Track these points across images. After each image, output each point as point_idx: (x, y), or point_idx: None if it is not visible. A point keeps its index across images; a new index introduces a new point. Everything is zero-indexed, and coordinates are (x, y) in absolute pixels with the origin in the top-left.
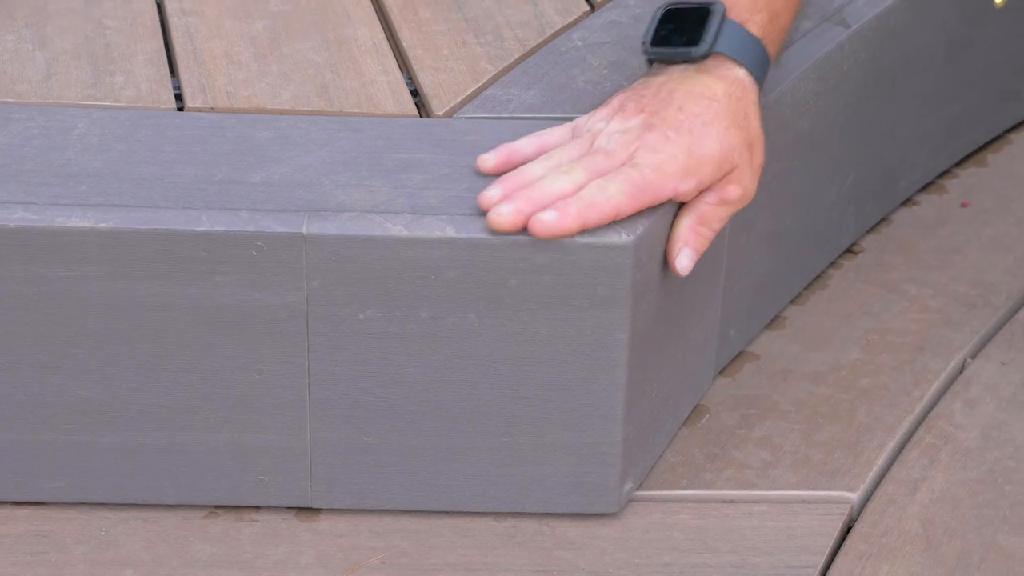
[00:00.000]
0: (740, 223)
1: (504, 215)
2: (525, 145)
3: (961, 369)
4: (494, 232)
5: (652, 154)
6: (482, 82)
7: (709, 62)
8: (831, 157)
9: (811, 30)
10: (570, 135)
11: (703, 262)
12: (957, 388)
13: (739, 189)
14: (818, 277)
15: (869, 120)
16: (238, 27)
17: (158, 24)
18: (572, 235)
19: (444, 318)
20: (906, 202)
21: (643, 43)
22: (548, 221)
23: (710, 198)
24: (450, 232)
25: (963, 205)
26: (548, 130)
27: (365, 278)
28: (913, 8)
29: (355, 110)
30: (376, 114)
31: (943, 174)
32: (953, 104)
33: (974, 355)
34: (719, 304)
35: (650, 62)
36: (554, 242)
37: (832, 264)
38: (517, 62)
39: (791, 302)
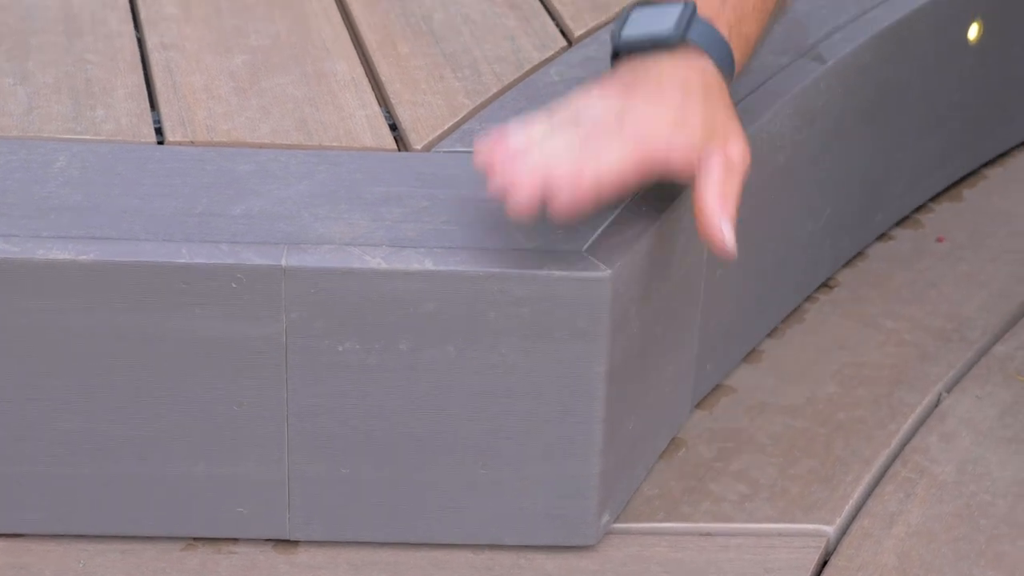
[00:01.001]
0: (717, 257)
1: (518, 200)
2: (511, 133)
3: (937, 403)
4: (513, 217)
5: (643, 106)
6: (460, 116)
7: (679, 51)
8: (807, 192)
9: (787, 66)
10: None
11: (680, 293)
12: (933, 422)
13: (738, 146)
14: (794, 311)
15: (845, 155)
16: (218, 62)
17: (138, 59)
18: (589, 200)
19: (422, 350)
20: (881, 237)
21: (612, 35)
22: (564, 188)
23: (715, 164)
24: (428, 265)
25: (938, 240)
26: (530, 118)
27: (344, 310)
28: (888, 44)
29: (334, 144)
30: (355, 148)
31: (918, 209)
32: (928, 139)
33: (950, 389)
34: (696, 337)
35: (614, 57)
36: (532, 275)
37: (808, 298)
38: (495, 97)
39: (767, 335)
